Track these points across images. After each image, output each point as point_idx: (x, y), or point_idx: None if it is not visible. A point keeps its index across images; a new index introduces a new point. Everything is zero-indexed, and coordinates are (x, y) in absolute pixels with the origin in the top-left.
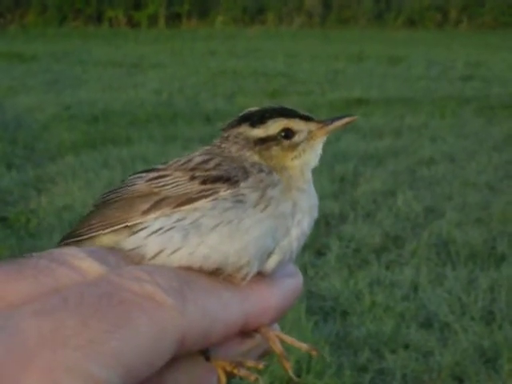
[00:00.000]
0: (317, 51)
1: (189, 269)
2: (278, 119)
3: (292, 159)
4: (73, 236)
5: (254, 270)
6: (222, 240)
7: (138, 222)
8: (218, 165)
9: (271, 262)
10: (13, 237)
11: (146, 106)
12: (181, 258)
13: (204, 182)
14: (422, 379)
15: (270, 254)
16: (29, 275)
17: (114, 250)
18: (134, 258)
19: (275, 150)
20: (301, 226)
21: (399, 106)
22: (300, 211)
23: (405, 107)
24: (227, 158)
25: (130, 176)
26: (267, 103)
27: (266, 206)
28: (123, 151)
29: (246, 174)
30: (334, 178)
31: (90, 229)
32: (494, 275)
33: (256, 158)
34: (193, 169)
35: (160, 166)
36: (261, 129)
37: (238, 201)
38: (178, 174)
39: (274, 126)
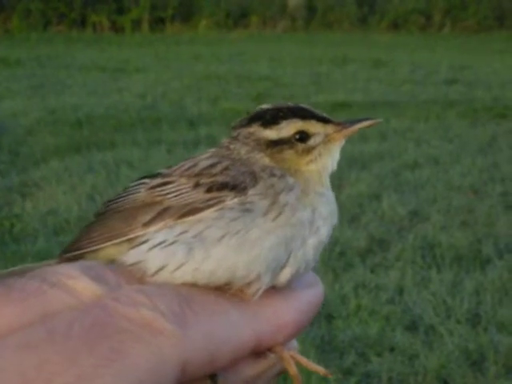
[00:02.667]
0: (301, 55)
1: (194, 285)
2: (293, 120)
3: (307, 163)
4: (73, 249)
5: (265, 284)
6: (228, 253)
7: (139, 234)
8: (225, 169)
9: (285, 275)
10: None
11: (130, 111)
12: (185, 274)
13: (209, 190)
14: (408, 382)
15: (283, 266)
16: (16, 299)
17: (113, 265)
18: (135, 274)
19: (289, 153)
20: (318, 235)
21: (384, 110)
22: (320, 218)
23: (389, 111)
24: (236, 161)
25: (134, 181)
26: (252, 107)
27: (279, 214)
28: (107, 155)
29: (255, 179)
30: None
31: (91, 242)
32: (479, 278)
33: (267, 160)
34: (198, 174)
35: (165, 171)
36: (273, 130)
37: (246, 210)
38: (182, 180)
39: (287, 128)
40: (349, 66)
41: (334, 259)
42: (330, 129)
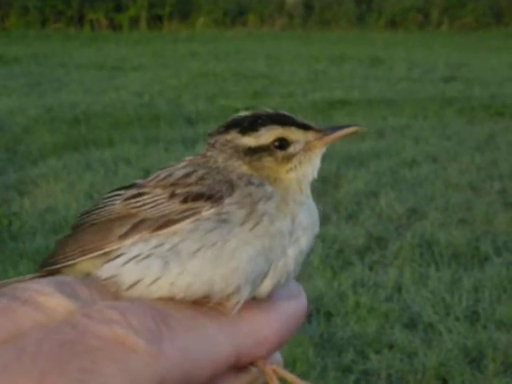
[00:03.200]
0: (298, 52)
1: (170, 300)
2: (272, 127)
3: (287, 171)
4: (49, 264)
5: (245, 297)
6: (204, 266)
7: (114, 248)
8: (201, 179)
9: (265, 287)
10: None
11: (128, 108)
12: (160, 288)
13: (185, 201)
14: (407, 380)
15: (264, 277)
16: None
17: (88, 280)
18: (110, 289)
19: (268, 160)
20: (299, 245)
21: (381, 107)
22: (300, 227)
23: (387, 108)
24: (212, 170)
25: (108, 193)
26: (249, 105)
27: (257, 224)
28: (105, 153)
29: (232, 187)
30: (316, 179)
31: (66, 256)
32: (477, 275)
33: (245, 168)
34: (173, 184)
35: (140, 182)
36: (252, 137)
37: (222, 220)
38: (157, 191)
39: (267, 135)
40: (346, 63)
41: (332, 257)
42: (310, 136)
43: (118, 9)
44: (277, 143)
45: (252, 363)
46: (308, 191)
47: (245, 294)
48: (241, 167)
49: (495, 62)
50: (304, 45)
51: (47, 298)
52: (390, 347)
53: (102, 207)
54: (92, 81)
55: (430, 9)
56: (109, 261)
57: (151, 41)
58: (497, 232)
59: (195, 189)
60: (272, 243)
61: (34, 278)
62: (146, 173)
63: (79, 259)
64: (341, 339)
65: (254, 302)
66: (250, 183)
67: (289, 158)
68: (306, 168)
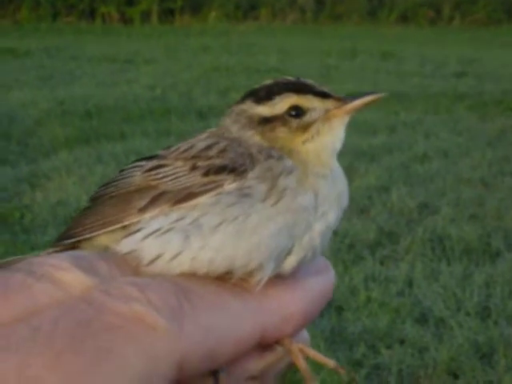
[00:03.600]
0: (310, 47)
1: (192, 275)
2: (287, 95)
3: (303, 142)
4: (67, 237)
5: (268, 273)
6: (227, 241)
7: (133, 221)
8: (223, 151)
9: (290, 262)
10: (7, 232)
11: (140, 102)
12: (182, 263)
13: (206, 174)
14: (418, 375)
15: (288, 253)
16: None
17: (107, 254)
18: (130, 263)
19: (282, 131)
20: (326, 219)
21: (393, 102)
22: (325, 201)
23: (398, 103)
24: (234, 142)
25: (129, 164)
26: None
27: (279, 199)
28: (117, 147)
29: (253, 161)
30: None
31: (84, 229)
32: (489, 271)
33: (258, 138)
34: (194, 157)
35: (162, 152)
36: (266, 106)
37: (244, 194)
38: (178, 163)
39: (281, 104)
40: (358, 58)
41: (343, 251)
42: (329, 104)
43: (130, 2)
44: (292, 112)
45: (277, 342)
46: (332, 163)
47: (268, 270)
48: (253, 137)
49: (507, 57)
50: (316, 39)
51: (64, 273)
52: (401, 342)
53: (121, 179)
54: (104, 74)
55: (442, 4)
56: (128, 235)
57: (163, 35)
58: (508, 228)
59: (217, 161)
60: (295, 219)
61: (51, 252)
62: None
63: (98, 232)
64: (352, 334)
65: (280, 278)
66: (269, 156)
67: (305, 128)
68: (326, 138)
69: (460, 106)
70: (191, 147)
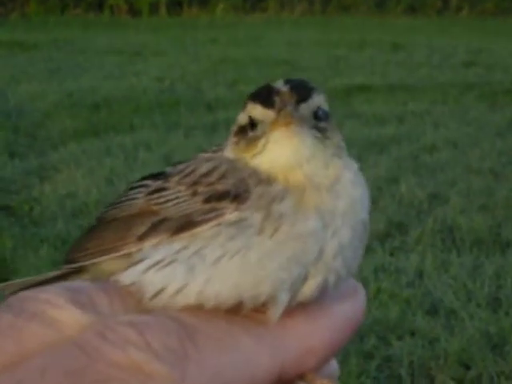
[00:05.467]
0: (318, 39)
1: (199, 309)
2: (250, 103)
3: (252, 157)
4: (71, 260)
5: (283, 305)
6: (232, 272)
7: (133, 250)
8: (222, 177)
9: (309, 288)
10: (16, 225)
11: (148, 94)
12: (187, 297)
13: (208, 200)
14: (429, 366)
15: (304, 280)
16: None
17: (108, 285)
18: (133, 295)
19: (242, 143)
20: (338, 237)
21: (402, 93)
22: (333, 218)
23: (407, 94)
24: (233, 165)
25: (136, 182)
26: None
27: (276, 229)
28: (126, 139)
29: (248, 188)
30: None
31: (86, 254)
32: (499, 261)
33: (231, 153)
34: (195, 183)
35: (169, 170)
36: (241, 114)
37: (244, 226)
38: (180, 188)
39: (244, 114)
40: (366, 49)
41: None
42: (271, 115)
43: None
44: (250, 123)
45: (300, 376)
46: (333, 172)
47: (283, 301)
48: (230, 153)
49: None
50: (324, 31)
51: (58, 311)
52: (412, 333)
53: (125, 200)
54: (112, 66)
55: None
56: (130, 266)
57: (171, 27)
58: None
59: (219, 187)
60: (302, 246)
61: (55, 276)
62: (166, 158)
63: (98, 259)
64: (362, 325)
65: (301, 307)
66: (259, 181)
67: (254, 141)
68: (271, 153)
69: (469, 96)
70: (193, 171)
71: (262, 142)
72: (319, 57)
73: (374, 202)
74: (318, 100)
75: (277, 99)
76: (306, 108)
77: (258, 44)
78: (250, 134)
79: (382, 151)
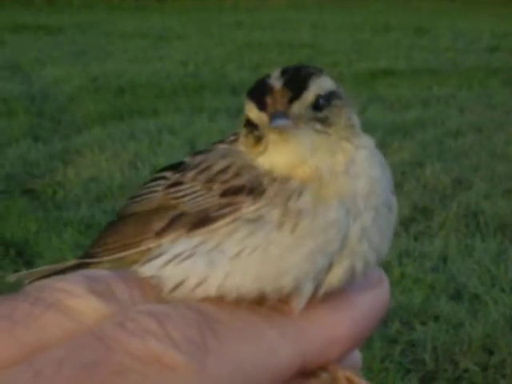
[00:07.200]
0: (342, 22)
1: (221, 301)
2: (246, 102)
3: (257, 155)
4: (91, 255)
5: (307, 295)
6: (253, 266)
7: (151, 246)
8: (237, 175)
9: (336, 276)
10: (40, 209)
11: (173, 78)
12: (207, 289)
13: (224, 194)
14: (453, 351)
15: (328, 269)
16: (2, 329)
17: (128, 273)
18: (153, 286)
19: (249, 138)
20: (361, 221)
21: (426, 77)
22: (354, 203)
23: (432, 78)
24: (247, 160)
25: (156, 174)
26: None
27: (296, 224)
28: (150, 123)
29: (262, 183)
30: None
31: (105, 249)
32: None
33: (243, 147)
34: (210, 180)
35: (187, 161)
36: (246, 107)
37: (262, 221)
38: (196, 183)
39: (246, 108)
40: (391, 33)
41: None
42: (264, 118)
43: None
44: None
45: (322, 367)
46: (348, 156)
47: (307, 291)
48: (240, 146)
49: None
50: (348, 14)
51: (76, 300)
52: (436, 318)
53: (145, 193)
54: (137, 50)
55: None
56: (148, 260)
57: (195, 11)
58: None
59: (235, 182)
60: (325, 237)
61: (74, 265)
62: (191, 143)
63: (117, 255)
64: (386, 310)
65: (325, 297)
66: (273, 179)
67: (258, 139)
68: (274, 153)
69: (494, 81)
70: (208, 167)
71: (263, 142)
72: (343, 40)
73: (399, 186)
74: (317, 87)
75: (269, 100)
76: (300, 104)
77: (281, 27)
78: (255, 132)
79: (406, 135)
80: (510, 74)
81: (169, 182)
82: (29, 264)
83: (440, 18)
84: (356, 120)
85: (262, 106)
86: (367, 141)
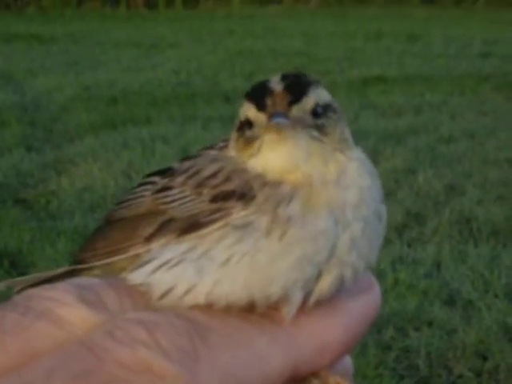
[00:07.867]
0: (334, 30)
1: (211, 308)
2: (245, 102)
3: (249, 157)
4: (79, 260)
5: (297, 303)
6: (242, 273)
7: (140, 251)
8: (227, 179)
9: (325, 285)
10: (33, 218)
11: (165, 86)
12: (196, 297)
13: (214, 200)
14: (447, 357)
15: (318, 277)
16: None
17: (117, 281)
18: (142, 293)
19: (241, 141)
20: (350, 231)
21: (418, 84)
22: (343, 213)
23: (424, 85)
24: (236, 166)
25: (144, 178)
26: None
27: (285, 232)
28: (143, 131)
29: (252, 189)
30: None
31: (94, 255)
32: None
33: (233, 152)
34: (200, 184)
35: (176, 166)
36: (241, 110)
37: (251, 228)
38: (185, 188)
39: (242, 110)
40: (383, 40)
41: None
42: (263, 118)
43: None
44: (246, 122)
45: (313, 374)
46: (336, 166)
47: (296, 300)
48: (231, 148)
49: None
50: (340, 22)
51: (66, 309)
52: (430, 324)
53: (133, 198)
54: (129, 59)
55: None
56: (137, 267)
57: (187, 19)
58: None
59: (224, 188)
60: (314, 246)
61: (64, 272)
62: (184, 151)
63: (106, 261)
64: (380, 316)
65: (315, 304)
66: (264, 183)
67: (251, 140)
68: (266, 155)
69: (485, 87)
70: (198, 172)
71: (257, 143)
72: (336, 48)
73: (391, 193)
74: (316, 96)
75: (269, 102)
76: (300, 108)
77: (274, 35)
78: (248, 132)
79: (398, 142)
80: (502, 80)
81: (157, 187)
82: (23, 274)
83: (432, 24)
84: (349, 134)
85: (261, 107)
86: (359, 154)
